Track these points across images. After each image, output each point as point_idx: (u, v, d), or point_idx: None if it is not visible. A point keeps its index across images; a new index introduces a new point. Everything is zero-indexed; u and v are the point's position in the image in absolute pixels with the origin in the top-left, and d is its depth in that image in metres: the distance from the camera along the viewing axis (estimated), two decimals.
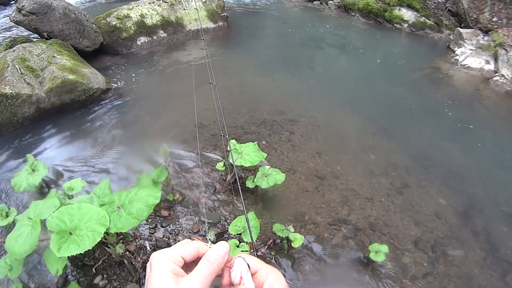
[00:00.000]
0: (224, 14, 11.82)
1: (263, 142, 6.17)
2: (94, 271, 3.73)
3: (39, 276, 3.90)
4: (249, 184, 4.83)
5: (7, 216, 3.83)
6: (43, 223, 3.06)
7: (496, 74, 9.42)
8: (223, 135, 4.66)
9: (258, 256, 3.58)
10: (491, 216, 5.30)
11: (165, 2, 10.65)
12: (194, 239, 1.08)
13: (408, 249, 4.62)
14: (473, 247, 4.78)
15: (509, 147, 6.94)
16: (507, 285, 4.34)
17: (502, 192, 5.76)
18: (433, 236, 4.85)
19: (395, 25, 12.75)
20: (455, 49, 10.68)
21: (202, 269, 0.95)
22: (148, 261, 0.97)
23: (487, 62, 9.85)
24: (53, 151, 5.91)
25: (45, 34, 7.93)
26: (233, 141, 5.02)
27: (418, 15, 12.49)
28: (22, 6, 7.62)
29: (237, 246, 3.70)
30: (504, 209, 5.43)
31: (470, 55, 10.13)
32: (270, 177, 4.61)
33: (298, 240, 4.10)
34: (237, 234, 3.89)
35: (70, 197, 4.00)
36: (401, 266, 4.40)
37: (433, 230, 4.95)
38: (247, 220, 3.53)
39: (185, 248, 1.00)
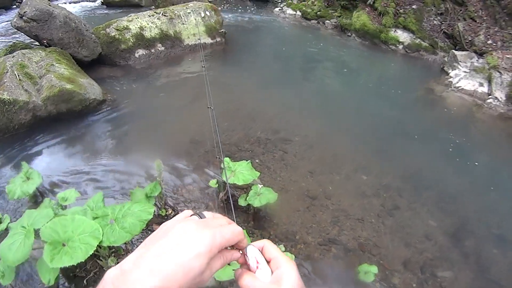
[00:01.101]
0: (222, 30, 11.92)
1: (257, 161, 6.20)
2: (85, 283, 3.72)
3: (31, 284, 3.90)
4: (242, 202, 4.86)
5: (0, 222, 3.85)
6: (36, 232, 3.08)
7: (490, 97, 9.49)
8: (218, 157, 4.70)
9: None
10: (482, 238, 5.33)
11: (165, 15, 10.75)
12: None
13: (398, 270, 4.64)
14: (463, 268, 4.80)
15: (501, 169, 7.00)
16: None
17: (493, 214, 5.79)
18: (422, 258, 4.87)
19: (391, 46, 12.87)
20: (449, 71, 10.76)
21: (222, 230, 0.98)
22: None
23: (481, 84, 9.92)
24: (48, 160, 5.93)
25: (45, 41, 7.99)
26: (227, 159, 5.04)
27: (414, 37, 12.61)
28: (24, 12, 7.68)
29: (229, 264, 3.69)
30: (494, 231, 5.47)
31: (464, 78, 10.20)
32: (263, 196, 4.64)
33: None
34: None
35: (64, 207, 4.03)
36: (391, 286, 4.41)
37: (422, 251, 4.97)
38: None
39: (234, 235, 1.03)
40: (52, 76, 6.74)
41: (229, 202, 5.22)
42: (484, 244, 5.24)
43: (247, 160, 4.95)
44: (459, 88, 9.99)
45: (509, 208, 5.99)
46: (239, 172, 4.71)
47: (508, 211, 5.92)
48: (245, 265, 1.07)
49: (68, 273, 3.75)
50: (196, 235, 0.93)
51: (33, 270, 3.93)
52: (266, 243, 1.08)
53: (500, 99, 9.32)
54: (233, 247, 1.07)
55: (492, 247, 5.20)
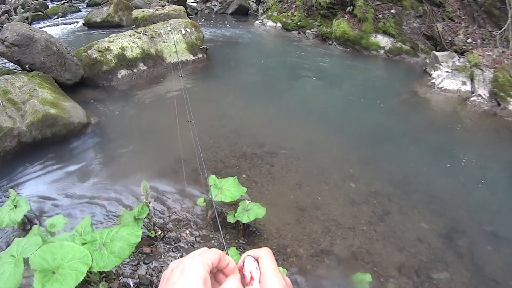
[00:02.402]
0: (203, 46, 11.95)
1: (243, 176, 6.16)
2: None
3: None
4: (230, 219, 4.81)
5: None
6: (26, 261, 3.05)
7: (473, 95, 9.57)
8: (202, 173, 4.68)
9: None
10: (475, 236, 5.31)
11: (146, 34, 10.74)
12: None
13: (392, 276, 4.60)
14: (458, 268, 4.77)
15: (490, 166, 7.02)
16: None
17: (484, 211, 5.79)
18: (416, 261, 4.84)
19: (372, 51, 12.97)
20: (432, 72, 10.86)
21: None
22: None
23: (464, 83, 10.01)
24: (35, 186, 5.83)
25: (27, 66, 7.94)
26: (213, 176, 5.00)
27: (394, 41, 12.73)
28: (5, 37, 7.65)
29: None
30: (487, 229, 5.46)
31: (446, 77, 10.29)
32: (251, 212, 4.60)
33: None
34: None
35: (53, 234, 4.00)
36: None
37: (416, 255, 4.93)
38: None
39: (214, 255, 1.01)
40: (36, 101, 6.67)
41: (216, 221, 5.20)
42: (477, 242, 5.22)
43: (233, 176, 4.93)
44: (443, 88, 10.08)
45: (499, 204, 6.02)
46: (226, 189, 4.69)
47: (498, 207, 5.94)
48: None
49: None
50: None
51: None
52: (262, 254, 1.04)
53: (483, 96, 9.39)
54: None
55: (486, 244, 5.19)
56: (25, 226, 4.85)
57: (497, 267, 4.83)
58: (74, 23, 17.14)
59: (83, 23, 16.57)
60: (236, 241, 4.92)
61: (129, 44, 10.33)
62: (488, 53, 10.19)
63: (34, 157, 6.42)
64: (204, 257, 0.99)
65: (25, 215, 4.56)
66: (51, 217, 4.26)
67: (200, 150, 3.45)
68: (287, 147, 7.12)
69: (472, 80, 9.92)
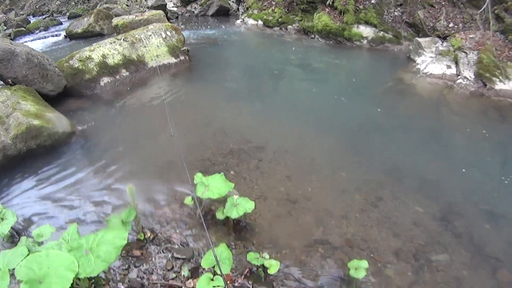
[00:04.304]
0: (184, 48, 11.88)
1: (231, 172, 6.07)
2: None
3: None
4: (219, 215, 4.74)
5: None
6: (12, 273, 3.03)
7: (459, 77, 9.55)
8: (186, 176, 4.59)
9: (236, 287, 3.45)
10: (471, 216, 5.24)
11: (126, 41, 10.64)
12: None
13: (390, 261, 4.51)
14: (457, 249, 4.69)
15: (481, 147, 6.96)
16: (499, 281, 4.27)
17: (479, 191, 5.73)
18: (414, 245, 4.75)
19: (355, 42, 12.94)
20: (416, 58, 10.86)
21: None
22: None
23: (449, 66, 9.99)
24: (22, 198, 5.73)
25: (9, 80, 7.87)
26: (199, 174, 4.95)
27: (377, 31, 12.71)
28: None
29: (212, 280, 3.55)
30: (483, 207, 5.39)
31: (431, 63, 10.29)
32: (240, 207, 4.55)
33: (273, 266, 4.01)
34: (211, 267, 3.74)
35: (40, 243, 3.99)
36: (385, 279, 4.28)
37: (413, 238, 4.85)
38: (215, 256, 3.44)
39: None
40: (19, 113, 6.62)
41: (207, 218, 5.10)
42: (475, 222, 5.14)
43: (219, 173, 4.86)
44: (428, 73, 10.07)
45: (494, 184, 5.94)
46: (213, 185, 4.66)
47: (493, 186, 5.87)
48: None
49: None
50: None
51: None
52: None
53: (469, 78, 9.39)
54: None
55: (484, 223, 5.13)
56: (13, 239, 4.76)
57: (498, 246, 4.75)
58: (56, 35, 17.22)
59: (64, 35, 16.57)
60: (227, 237, 4.83)
61: (110, 51, 10.24)
62: (471, 36, 10.21)
63: (20, 170, 6.35)
64: None
65: (12, 228, 4.62)
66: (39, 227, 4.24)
67: (184, 163, 3.31)
68: (275, 141, 7.04)
69: (456, 63, 9.91)
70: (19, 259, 3.17)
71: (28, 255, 3.18)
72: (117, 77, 10.12)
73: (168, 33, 11.66)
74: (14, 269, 2.98)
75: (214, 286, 3.46)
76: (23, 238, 4.09)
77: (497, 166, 6.43)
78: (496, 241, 4.83)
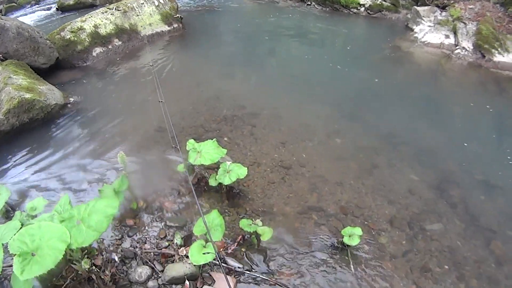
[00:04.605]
0: (178, 15, 11.66)
1: (225, 139, 6.00)
2: None
3: None
4: (212, 182, 4.68)
5: None
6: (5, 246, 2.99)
7: (457, 47, 9.44)
8: (174, 146, 4.51)
9: (228, 254, 3.39)
10: (467, 186, 5.20)
11: (118, 10, 10.42)
12: None
13: (384, 229, 4.48)
14: (452, 219, 4.67)
15: (478, 117, 6.90)
16: (493, 252, 4.26)
17: (475, 162, 5.68)
18: (408, 213, 4.72)
19: (352, 10, 12.74)
20: (414, 27, 10.71)
21: None
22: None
23: (447, 36, 9.86)
24: (16, 172, 5.65)
25: (0, 55, 7.69)
26: (191, 140, 4.86)
27: None
28: None
29: (204, 247, 3.49)
30: (479, 178, 5.35)
31: (429, 32, 10.16)
32: (232, 173, 4.48)
33: (266, 233, 3.96)
34: (203, 234, 3.67)
35: (34, 217, 3.95)
36: (379, 247, 4.26)
37: (407, 207, 4.81)
38: (205, 223, 3.37)
39: None
40: (10, 88, 6.50)
41: (200, 185, 5.02)
42: (470, 192, 5.11)
43: (212, 139, 4.78)
44: (426, 42, 9.95)
45: (490, 154, 5.91)
46: (205, 152, 4.58)
47: (490, 157, 5.84)
48: None
49: (45, 284, 3.53)
50: None
51: None
52: None
53: (468, 49, 9.27)
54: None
55: (479, 194, 5.09)
56: (8, 214, 4.71)
57: (492, 216, 4.74)
58: (47, 9, 16.83)
59: (56, 8, 16.20)
60: (220, 204, 4.79)
61: (102, 21, 10.02)
62: (470, 7, 10.06)
63: (14, 144, 6.24)
64: None
65: (7, 203, 4.57)
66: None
67: (171, 124, 3.20)
68: (269, 107, 6.96)
69: (455, 33, 9.78)
70: (12, 233, 3.16)
71: (21, 228, 3.14)
72: (110, 47, 9.94)
73: (161, 0, 11.43)
74: (7, 243, 2.93)
75: (204, 253, 3.41)
76: (17, 213, 4.05)
77: (494, 138, 6.38)
78: (490, 212, 4.81)
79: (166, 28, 11.22)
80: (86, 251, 3.54)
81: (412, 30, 10.66)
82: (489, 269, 4.08)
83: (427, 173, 5.39)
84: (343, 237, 3.99)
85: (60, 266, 2.75)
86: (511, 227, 4.59)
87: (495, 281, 3.95)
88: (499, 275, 4.02)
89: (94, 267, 3.60)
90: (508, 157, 5.78)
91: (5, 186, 4.40)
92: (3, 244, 3.04)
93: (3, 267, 2.95)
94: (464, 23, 9.67)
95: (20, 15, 15.50)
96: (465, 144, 6.06)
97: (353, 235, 3.97)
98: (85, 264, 3.35)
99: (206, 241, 3.59)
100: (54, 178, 5.41)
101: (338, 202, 4.83)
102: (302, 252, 4.15)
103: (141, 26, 10.70)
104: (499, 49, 8.81)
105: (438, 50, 9.64)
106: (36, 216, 3.95)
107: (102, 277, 3.63)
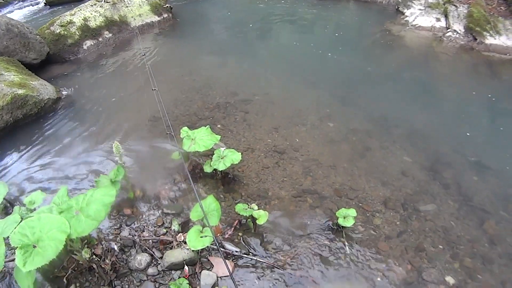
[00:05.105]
0: (167, 5, 11.61)
1: (218, 126, 6.01)
2: (66, 281, 3.60)
3: None
4: (207, 168, 4.71)
5: None
6: (7, 241, 3.04)
7: (448, 30, 9.46)
8: (169, 133, 4.53)
9: (225, 239, 3.42)
10: (460, 167, 5.26)
11: (107, 2, 10.36)
12: None
13: (378, 210, 4.53)
14: (445, 199, 4.73)
15: (469, 99, 6.94)
16: (486, 232, 4.31)
17: (468, 143, 5.74)
18: (402, 194, 4.77)
19: None
20: (405, 10, 10.71)
21: None
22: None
23: (438, 19, 9.88)
24: (13, 169, 5.63)
25: None
26: (185, 128, 4.87)
27: None
28: None
29: (201, 232, 3.51)
30: (472, 159, 5.41)
31: (420, 15, 10.17)
32: (226, 158, 4.52)
33: (262, 216, 4.00)
34: (200, 219, 3.70)
35: (32, 210, 3.94)
36: (374, 228, 4.31)
37: (401, 188, 4.86)
38: (201, 207, 3.39)
39: None
40: (3, 85, 6.47)
41: (195, 172, 5.05)
42: (463, 174, 5.16)
43: (206, 126, 4.80)
44: (417, 25, 9.97)
45: (482, 136, 5.97)
46: (199, 139, 4.60)
47: (483, 139, 5.89)
48: None
49: (47, 275, 3.60)
50: None
51: (13, 283, 3.79)
52: None
53: (459, 32, 9.30)
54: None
55: (472, 175, 5.15)
56: (7, 210, 4.73)
57: (485, 197, 4.80)
58: (35, 4, 16.70)
59: (44, 3, 16.05)
60: (216, 190, 4.81)
61: (91, 14, 9.97)
62: None
63: (9, 141, 6.20)
64: None
65: (5, 199, 4.57)
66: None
67: (165, 111, 3.22)
68: (261, 94, 6.98)
69: (446, 16, 9.80)
70: (12, 227, 3.17)
71: (20, 222, 3.15)
72: (100, 39, 9.89)
73: None
74: (8, 237, 2.97)
75: (202, 236, 3.44)
76: (16, 208, 4.03)
77: (486, 120, 6.44)
78: (483, 192, 4.86)
79: (156, 18, 11.14)
80: (86, 241, 3.57)
81: (403, 13, 10.66)
82: (483, 249, 4.14)
83: (419, 155, 5.45)
84: (338, 219, 4.03)
85: (61, 257, 2.80)
86: (504, 208, 4.65)
87: (488, 260, 4.02)
88: (493, 254, 4.08)
89: (94, 257, 3.63)
90: (501, 139, 5.85)
91: (2, 182, 4.38)
92: (4, 238, 3.05)
93: (5, 261, 2.99)
94: (455, 6, 9.69)
95: (8, 12, 15.37)
96: (457, 126, 6.12)
97: (347, 217, 4.01)
98: (86, 254, 3.40)
99: (203, 226, 3.62)
100: (50, 172, 5.41)
101: (332, 184, 4.87)
102: (298, 235, 4.19)
103: (131, 17, 10.63)
104: (490, 31, 8.85)
105: (429, 33, 9.66)
106: (34, 209, 3.95)
107: (103, 266, 3.66)
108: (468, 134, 5.96)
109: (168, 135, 4.75)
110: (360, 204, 4.58)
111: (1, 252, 2.92)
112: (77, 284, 3.63)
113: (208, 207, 3.67)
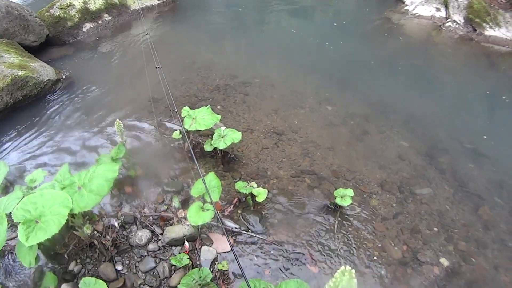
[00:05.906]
0: None
1: (218, 107, 6.04)
2: (67, 258, 3.66)
3: (14, 277, 3.72)
4: (207, 147, 4.76)
5: None
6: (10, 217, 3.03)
7: (448, 20, 9.46)
8: (172, 109, 4.56)
9: (225, 216, 3.47)
10: (456, 153, 5.32)
11: None
12: None
13: (375, 192, 4.59)
14: (441, 184, 4.79)
15: (467, 88, 6.99)
16: (480, 218, 4.38)
17: (464, 130, 5.79)
18: (398, 177, 4.83)
19: None
20: None
21: None
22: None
23: (438, 9, 9.87)
24: (14, 149, 5.65)
25: None
26: (186, 107, 4.89)
27: None
28: None
29: (201, 208, 3.56)
30: (468, 146, 5.46)
31: (420, 4, 10.15)
32: (227, 137, 4.54)
33: (261, 194, 4.06)
34: (200, 196, 3.74)
35: (33, 189, 3.97)
36: (370, 209, 4.36)
37: (398, 171, 4.92)
38: (204, 182, 3.43)
39: None
40: (3, 66, 6.48)
41: (195, 150, 5.09)
42: (459, 160, 5.22)
43: (207, 106, 4.81)
44: (416, 14, 9.95)
45: (480, 124, 6.02)
46: (200, 118, 4.61)
47: (479, 127, 5.93)
48: None
49: (49, 252, 3.64)
50: None
51: (16, 261, 3.80)
52: None
53: (459, 22, 9.29)
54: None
55: (468, 161, 5.20)
56: (7, 190, 4.73)
57: (480, 183, 4.85)
58: None
59: None
60: (216, 169, 4.86)
61: None
62: None
63: (9, 122, 6.23)
64: None
65: (6, 179, 4.62)
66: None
67: (167, 86, 3.25)
68: (261, 76, 7.01)
69: (446, 6, 9.79)
70: (15, 203, 3.17)
71: (22, 198, 3.15)
72: (100, 22, 9.84)
73: None
74: (10, 213, 2.99)
75: (203, 210, 3.48)
76: (16, 187, 4.12)
77: (483, 110, 6.48)
78: (479, 179, 4.92)
79: (156, 1, 11.06)
80: (87, 217, 3.60)
81: (403, 2, 10.63)
82: (477, 233, 4.21)
83: (416, 140, 5.51)
84: (335, 198, 4.07)
85: (62, 233, 2.83)
86: (499, 194, 4.71)
87: (482, 244, 4.08)
88: (487, 239, 4.15)
89: (96, 233, 3.69)
90: (497, 128, 5.90)
91: (3, 161, 4.38)
92: (6, 214, 3.08)
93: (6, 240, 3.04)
94: None
95: None
96: (454, 114, 6.17)
97: (345, 196, 4.05)
98: (87, 230, 3.44)
99: (204, 202, 3.66)
100: (51, 152, 5.44)
101: (330, 166, 4.92)
102: (296, 213, 4.25)
103: (131, 0, 10.59)
104: (490, 23, 8.86)
105: (429, 22, 9.66)
106: (36, 187, 3.98)
107: (104, 242, 3.69)
108: (464, 122, 6.01)
109: (171, 112, 4.77)
110: (357, 186, 4.64)
111: (3, 229, 2.95)
112: (78, 261, 3.68)
113: (209, 183, 3.70)
